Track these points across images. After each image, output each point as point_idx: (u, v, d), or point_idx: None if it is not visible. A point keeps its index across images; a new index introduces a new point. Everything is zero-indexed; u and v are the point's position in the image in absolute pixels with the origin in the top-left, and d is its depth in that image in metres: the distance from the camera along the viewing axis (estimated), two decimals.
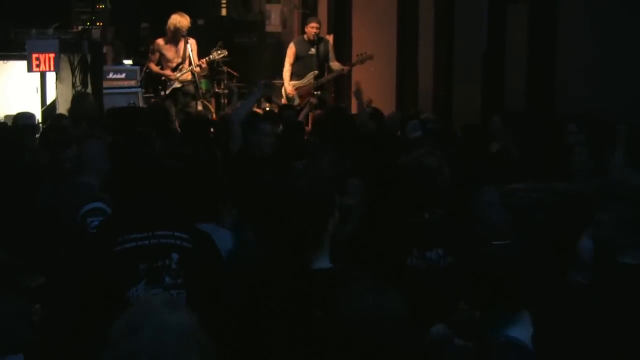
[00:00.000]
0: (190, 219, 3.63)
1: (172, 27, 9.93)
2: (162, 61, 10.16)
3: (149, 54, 10.45)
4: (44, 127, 6.77)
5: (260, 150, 6.13)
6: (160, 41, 10.08)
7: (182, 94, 10.05)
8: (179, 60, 10.06)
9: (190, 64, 9.97)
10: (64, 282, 4.07)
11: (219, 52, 10.36)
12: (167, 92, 10.06)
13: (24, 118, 7.13)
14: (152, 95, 10.83)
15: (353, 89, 9.50)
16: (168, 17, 10.05)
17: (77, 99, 7.80)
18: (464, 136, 6.68)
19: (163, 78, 10.17)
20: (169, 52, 10.04)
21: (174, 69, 10.06)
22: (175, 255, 3.39)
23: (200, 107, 10.42)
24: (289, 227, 3.11)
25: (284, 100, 10.13)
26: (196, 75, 10.08)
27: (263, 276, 3.15)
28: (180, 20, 9.92)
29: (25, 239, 4.62)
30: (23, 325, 2.54)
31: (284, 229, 3.16)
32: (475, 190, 4.41)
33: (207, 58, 10.19)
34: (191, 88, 10.15)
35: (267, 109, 11.09)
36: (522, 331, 2.95)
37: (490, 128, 6.83)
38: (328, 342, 2.36)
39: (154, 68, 10.20)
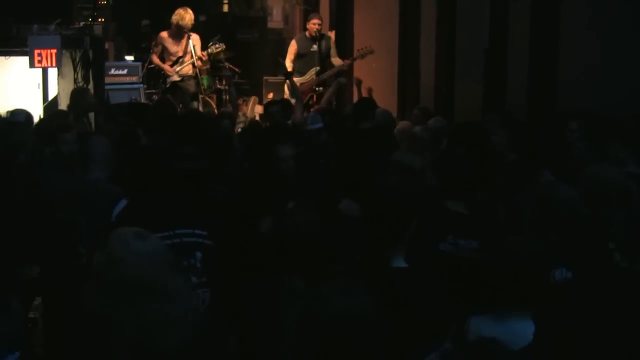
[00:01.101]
0: (206, 215, 3.57)
1: (175, 22, 10.01)
2: (165, 54, 10.24)
3: (151, 49, 10.50)
4: (40, 121, 6.66)
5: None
6: (164, 34, 10.17)
7: (182, 90, 10.08)
8: (181, 54, 10.14)
9: (191, 57, 10.02)
10: (70, 279, 4.04)
11: (216, 45, 10.39)
12: (167, 85, 10.12)
13: (14, 115, 6.74)
14: (153, 90, 10.86)
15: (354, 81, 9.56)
16: (169, 13, 10.13)
17: (77, 95, 7.78)
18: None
19: (163, 72, 10.23)
20: (172, 46, 10.14)
21: (175, 62, 10.11)
22: (198, 254, 3.36)
23: (201, 104, 10.44)
24: (374, 224, 3.06)
25: (286, 97, 10.13)
26: (198, 70, 10.11)
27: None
28: (183, 15, 9.99)
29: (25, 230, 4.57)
30: (17, 326, 2.53)
31: (368, 226, 3.10)
32: (534, 175, 4.52)
33: (205, 52, 10.23)
34: (192, 84, 10.19)
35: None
36: (524, 329, 2.95)
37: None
38: (300, 343, 2.34)
39: (156, 60, 10.27)
